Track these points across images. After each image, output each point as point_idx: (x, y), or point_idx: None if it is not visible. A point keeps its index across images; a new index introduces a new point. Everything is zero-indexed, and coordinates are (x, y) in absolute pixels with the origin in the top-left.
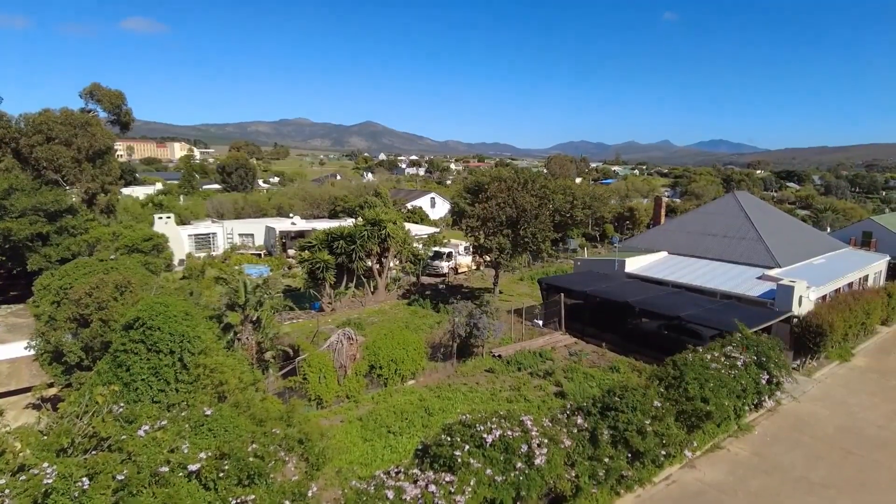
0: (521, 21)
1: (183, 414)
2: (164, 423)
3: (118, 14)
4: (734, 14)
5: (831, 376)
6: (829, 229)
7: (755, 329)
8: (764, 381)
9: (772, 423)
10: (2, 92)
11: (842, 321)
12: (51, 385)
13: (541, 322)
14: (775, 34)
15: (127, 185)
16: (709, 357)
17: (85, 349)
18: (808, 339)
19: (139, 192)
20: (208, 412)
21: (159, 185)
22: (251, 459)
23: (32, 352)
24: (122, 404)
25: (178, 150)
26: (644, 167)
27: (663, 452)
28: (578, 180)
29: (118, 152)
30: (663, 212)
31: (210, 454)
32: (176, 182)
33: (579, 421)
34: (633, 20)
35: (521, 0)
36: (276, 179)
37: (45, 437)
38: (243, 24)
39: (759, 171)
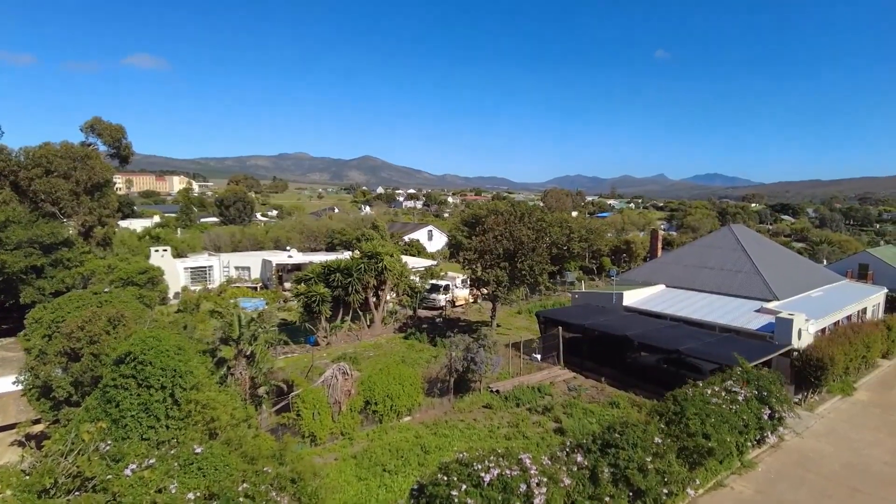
0: (518, 58)
1: (172, 452)
2: (152, 461)
3: (121, 51)
4: (724, 51)
5: (834, 411)
6: (825, 262)
7: (755, 363)
8: (766, 417)
9: (775, 460)
10: (5, 126)
11: (842, 354)
12: (37, 421)
13: (539, 356)
14: (766, 70)
15: (124, 217)
16: (709, 392)
17: (74, 384)
18: (809, 373)
19: (137, 224)
20: (198, 450)
21: (157, 218)
22: (241, 500)
23: (21, 387)
24: (109, 442)
25: (177, 184)
26: (640, 201)
27: (665, 491)
28: (575, 213)
29: (117, 185)
30: (660, 245)
31: (199, 494)
32: (174, 215)
33: (579, 458)
34: (626, 57)
35: (518, 38)
36: (275, 213)
37: (28, 477)
38: (244, 59)
39: (753, 205)
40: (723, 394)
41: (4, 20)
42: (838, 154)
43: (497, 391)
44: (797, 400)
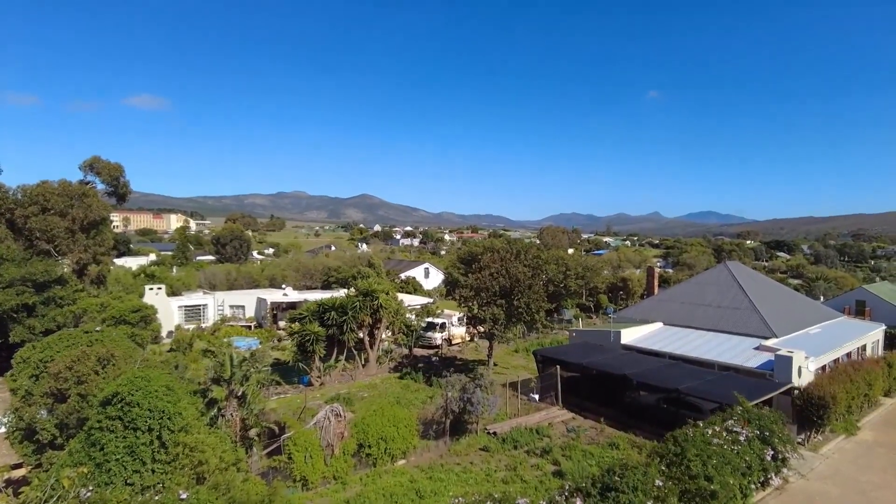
0: (513, 97)
1: (157, 498)
2: None
3: (122, 91)
4: (714, 90)
5: (838, 451)
6: (822, 298)
7: (756, 402)
8: (769, 458)
9: (780, 503)
10: (6, 164)
11: (844, 392)
12: (18, 466)
13: (537, 396)
14: (758, 109)
15: (120, 255)
16: (710, 432)
17: (59, 426)
18: (811, 412)
19: (132, 262)
20: (184, 495)
21: (153, 256)
22: None
23: (3, 429)
24: (91, 488)
25: (174, 222)
26: (635, 238)
27: None
28: (571, 251)
29: (113, 223)
30: (656, 282)
31: None
32: (170, 253)
33: (578, 503)
34: (618, 97)
35: (514, 76)
36: (271, 251)
37: None
38: (243, 99)
39: (749, 241)
40: (724, 434)
41: (11, 62)
42: (830, 191)
43: (494, 433)
44: (800, 440)
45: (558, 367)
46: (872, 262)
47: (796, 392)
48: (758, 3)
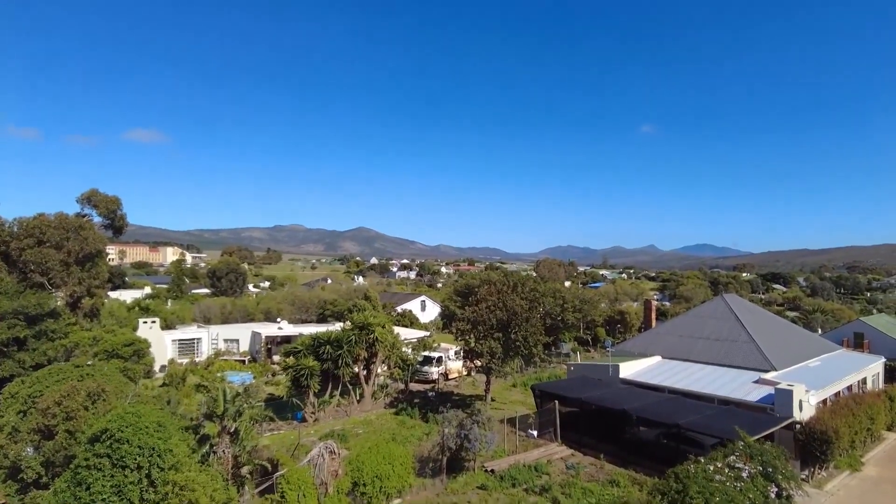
0: (509, 133)
1: None
2: None
3: (122, 125)
4: (708, 123)
5: (844, 488)
6: (819, 331)
7: (757, 437)
8: (773, 495)
9: None
10: (6, 196)
11: (846, 427)
12: None
13: (535, 432)
14: (750, 143)
15: (115, 288)
16: (712, 468)
17: (45, 464)
18: (814, 448)
19: (127, 295)
20: None
21: (148, 289)
22: None
23: None
24: None
25: (171, 255)
26: (631, 271)
27: None
28: (567, 284)
29: (109, 256)
30: (654, 315)
31: None
32: (165, 286)
33: None
34: (612, 131)
35: (510, 112)
36: (267, 284)
37: None
38: (241, 133)
39: (745, 274)
40: (726, 470)
41: (14, 95)
42: (825, 223)
43: (492, 470)
44: (804, 476)
45: (556, 402)
46: (868, 294)
47: (798, 426)
48: (749, 37)
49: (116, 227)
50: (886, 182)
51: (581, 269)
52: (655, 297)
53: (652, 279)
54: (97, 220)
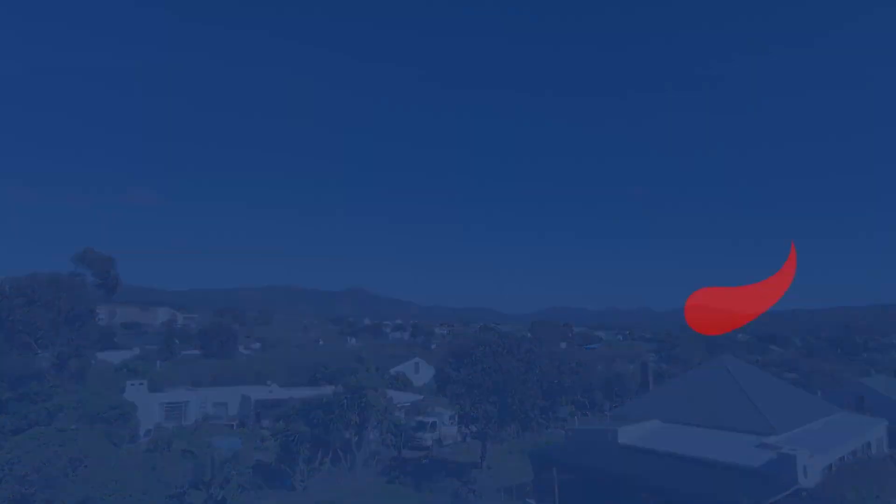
0: (503, 196)
1: None
2: None
3: (119, 185)
4: (696, 187)
5: None
6: (819, 392)
7: None
8: None
9: None
10: (1, 254)
11: (855, 494)
12: None
13: (533, 501)
14: (740, 203)
15: (103, 349)
16: None
17: None
18: None
19: (115, 356)
20: None
21: (137, 350)
22: None
23: None
24: None
25: (162, 315)
26: (627, 332)
27: None
28: (563, 345)
29: (99, 315)
30: (651, 378)
31: None
32: (155, 347)
33: None
34: (602, 195)
35: (505, 173)
36: (258, 345)
37: None
38: (237, 192)
39: (740, 335)
40: None
41: (17, 153)
42: (818, 283)
43: None
44: None
45: (555, 469)
46: (865, 355)
47: (804, 494)
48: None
49: (109, 286)
50: (880, 243)
51: (576, 330)
52: (652, 358)
53: (648, 340)
54: (90, 279)
